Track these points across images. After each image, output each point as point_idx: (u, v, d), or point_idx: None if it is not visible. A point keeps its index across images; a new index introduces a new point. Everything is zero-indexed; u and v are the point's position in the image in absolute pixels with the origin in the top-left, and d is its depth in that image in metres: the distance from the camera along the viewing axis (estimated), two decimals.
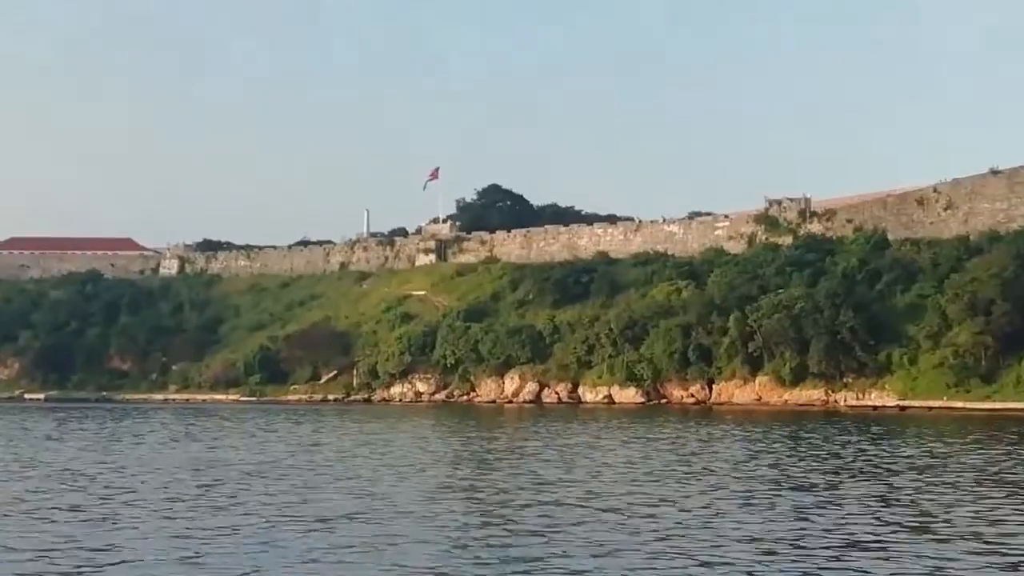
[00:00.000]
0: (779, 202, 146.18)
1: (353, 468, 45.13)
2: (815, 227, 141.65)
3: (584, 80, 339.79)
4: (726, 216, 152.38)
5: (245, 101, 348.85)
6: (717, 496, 35.33)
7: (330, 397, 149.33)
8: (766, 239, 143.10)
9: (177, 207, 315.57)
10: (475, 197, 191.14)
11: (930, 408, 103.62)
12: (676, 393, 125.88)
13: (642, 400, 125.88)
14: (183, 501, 34.48)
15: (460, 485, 38.85)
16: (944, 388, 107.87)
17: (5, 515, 31.37)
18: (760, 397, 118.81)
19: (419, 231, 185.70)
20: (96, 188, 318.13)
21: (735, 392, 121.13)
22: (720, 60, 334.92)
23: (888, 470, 43.87)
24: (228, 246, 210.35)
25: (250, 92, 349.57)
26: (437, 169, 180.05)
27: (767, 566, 23.89)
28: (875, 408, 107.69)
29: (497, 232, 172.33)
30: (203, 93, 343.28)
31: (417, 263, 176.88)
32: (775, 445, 57.90)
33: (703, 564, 24.01)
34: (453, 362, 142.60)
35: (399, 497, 35.20)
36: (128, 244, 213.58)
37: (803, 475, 41.88)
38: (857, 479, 40.54)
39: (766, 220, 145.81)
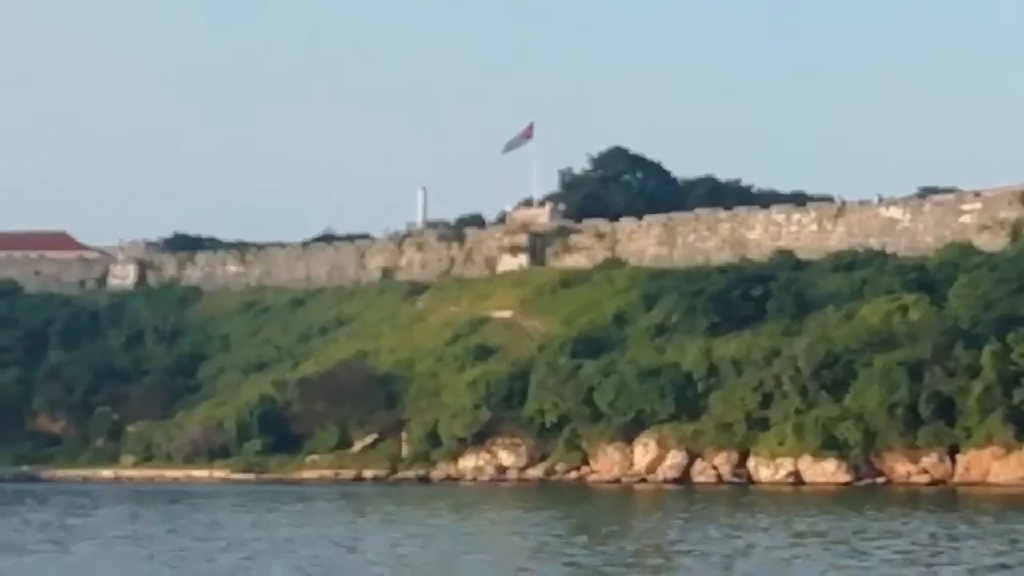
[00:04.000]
0: None
1: None
2: None
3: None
4: (977, 194, 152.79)
5: (232, 31, 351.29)
6: None
7: (367, 473, 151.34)
8: None
9: (134, 187, 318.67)
10: (588, 167, 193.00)
11: None
12: (899, 468, 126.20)
13: (847, 478, 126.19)
14: None
15: None
16: None
17: None
18: None
19: (503, 219, 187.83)
20: (14, 161, 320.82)
21: (992, 466, 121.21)
22: None
23: None
24: (211, 244, 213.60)
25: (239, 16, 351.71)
26: (531, 126, 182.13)
27: None
28: None
29: (622, 220, 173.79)
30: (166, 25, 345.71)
31: (500, 268, 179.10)
32: None
33: None
34: (555, 420, 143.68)
35: None
36: (62, 241, 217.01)
37: None
38: None
39: None
